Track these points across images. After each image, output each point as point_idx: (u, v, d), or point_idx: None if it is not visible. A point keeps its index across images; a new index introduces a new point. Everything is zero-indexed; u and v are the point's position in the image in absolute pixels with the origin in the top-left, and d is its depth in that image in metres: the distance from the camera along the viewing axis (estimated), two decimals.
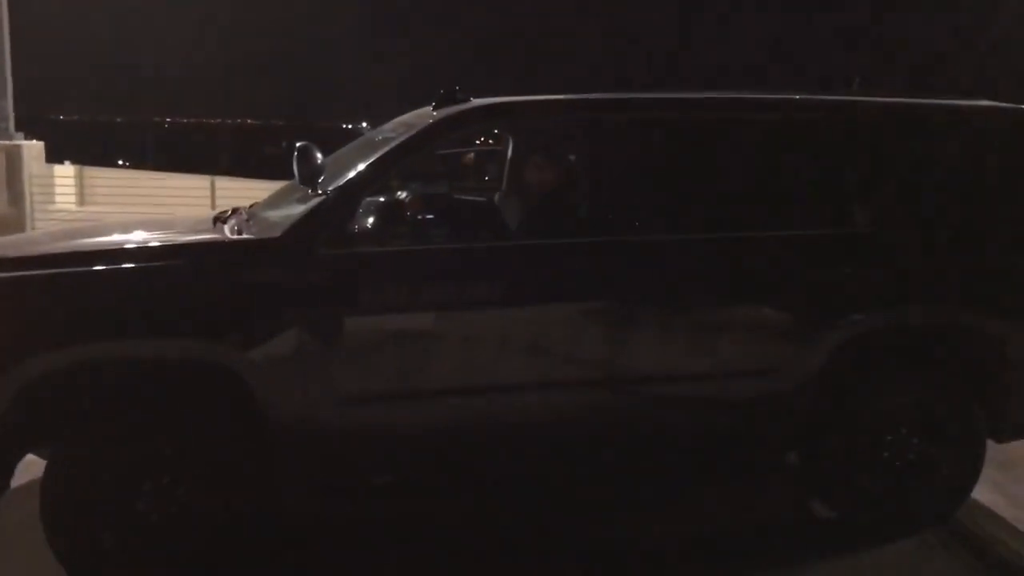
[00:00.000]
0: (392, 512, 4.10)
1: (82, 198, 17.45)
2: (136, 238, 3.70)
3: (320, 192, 3.40)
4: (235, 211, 4.12)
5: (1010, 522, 4.13)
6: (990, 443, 4.03)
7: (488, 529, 4.03)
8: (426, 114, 3.81)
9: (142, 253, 3.42)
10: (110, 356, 3.29)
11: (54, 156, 18.16)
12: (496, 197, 4.48)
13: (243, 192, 12.11)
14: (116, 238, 3.78)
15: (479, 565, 3.71)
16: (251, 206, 4.17)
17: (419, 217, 3.72)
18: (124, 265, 3.31)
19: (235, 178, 17.88)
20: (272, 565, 3.64)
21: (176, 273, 3.34)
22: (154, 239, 3.66)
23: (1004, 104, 4.26)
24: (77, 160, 18.74)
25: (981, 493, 4.17)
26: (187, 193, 14.56)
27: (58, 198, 16.78)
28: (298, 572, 3.63)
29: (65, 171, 17.84)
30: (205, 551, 3.39)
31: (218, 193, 13.91)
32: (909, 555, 3.79)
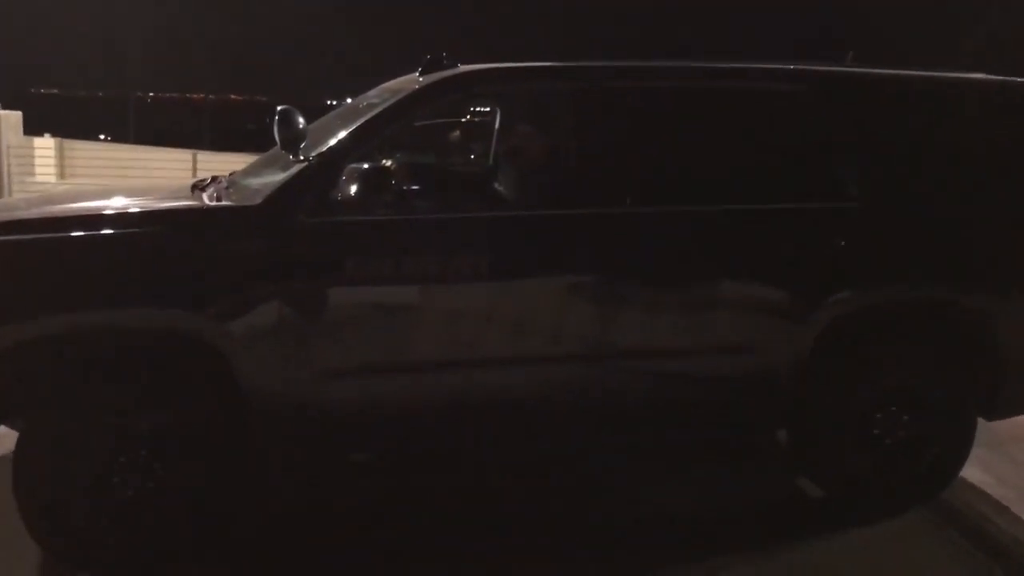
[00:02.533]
0: (373, 490, 4.04)
1: (62, 171, 17.26)
2: (113, 205, 3.58)
3: (302, 158, 3.29)
4: (215, 179, 4.01)
5: (999, 501, 4.11)
6: (980, 422, 3.99)
7: (470, 506, 3.96)
8: (412, 80, 3.71)
9: (119, 219, 3.31)
10: (84, 325, 3.19)
11: (33, 129, 17.91)
12: (484, 167, 4.38)
13: (225, 166, 12.00)
14: (93, 204, 3.67)
15: (459, 544, 3.64)
16: (231, 174, 4.06)
17: (404, 186, 3.62)
18: (100, 231, 3.20)
19: (218, 152, 17.72)
20: (252, 542, 3.57)
21: (153, 240, 3.22)
22: (131, 206, 3.55)
23: (998, 77, 4.20)
24: (57, 133, 18.53)
25: (969, 472, 4.14)
26: (169, 166, 14.44)
27: (38, 171, 16.58)
28: (277, 548, 3.55)
29: (45, 144, 17.64)
30: (182, 527, 3.30)
31: (200, 167, 13.78)
32: (897, 534, 3.75)
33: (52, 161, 17.05)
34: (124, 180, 12.61)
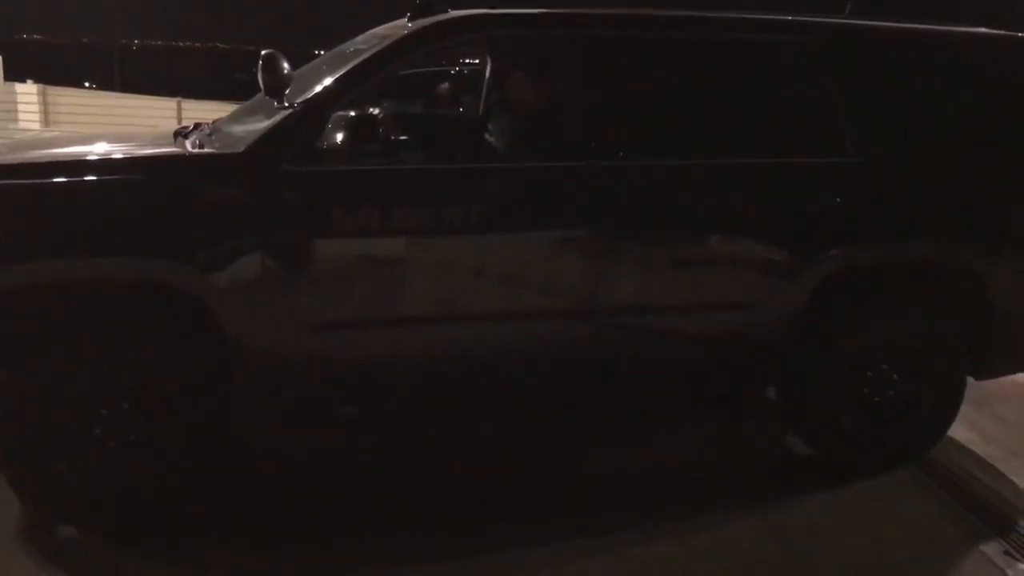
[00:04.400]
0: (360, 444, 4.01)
1: (46, 118, 17.01)
2: (94, 151, 3.49)
3: (287, 105, 3.20)
4: (198, 126, 3.91)
5: (984, 458, 4.12)
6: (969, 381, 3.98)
7: (457, 463, 3.94)
8: (401, 26, 3.61)
9: (99, 166, 3.22)
10: (64, 274, 3.11)
11: (16, 75, 17.57)
12: (474, 117, 4.28)
13: (211, 114, 11.83)
14: (72, 151, 3.57)
15: (445, 500, 3.62)
16: (215, 121, 3.96)
17: (392, 136, 3.53)
18: (79, 178, 3.11)
19: (204, 100, 17.48)
20: (236, 495, 3.55)
21: (133, 188, 3.14)
22: (112, 152, 3.45)
23: (998, 31, 4.13)
24: (41, 80, 18.21)
25: (956, 431, 4.15)
26: (155, 114, 14.23)
27: (21, 117, 16.35)
28: (262, 504, 3.53)
29: (28, 90, 17.35)
30: (166, 481, 3.27)
31: (185, 115, 13.59)
32: (884, 491, 3.76)
33: (36, 108, 16.79)
34: (108, 128, 12.44)
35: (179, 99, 14.66)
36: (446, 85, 5.13)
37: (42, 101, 17.06)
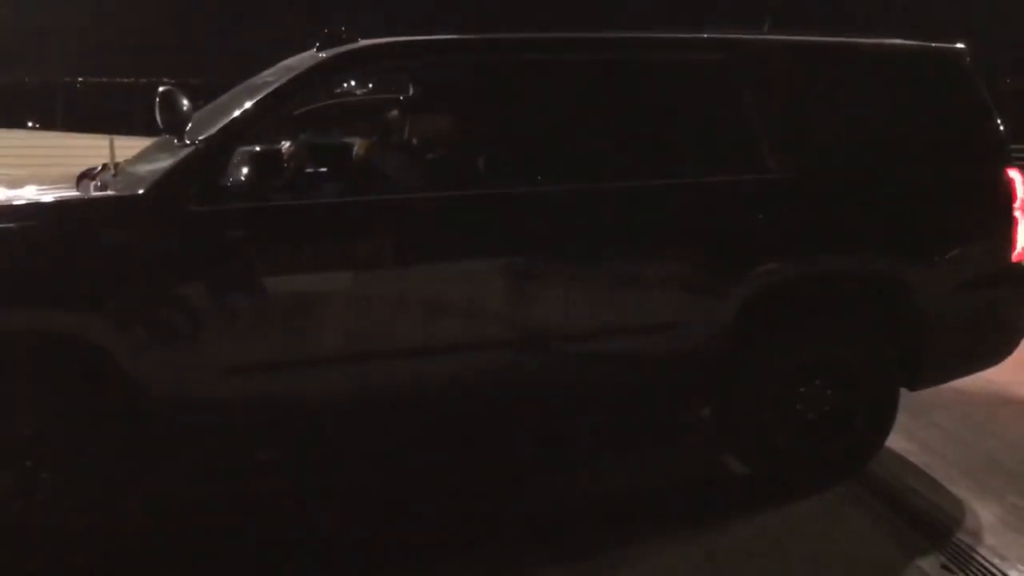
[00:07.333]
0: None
1: None
2: None
3: (188, 142, 3.09)
4: (104, 167, 3.78)
5: (921, 468, 4.10)
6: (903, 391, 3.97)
7: (384, 502, 3.82)
8: (310, 56, 3.52)
9: None
10: None
11: None
12: (389, 146, 4.18)
13: None
14: None
15: (366, 537, 3.50)
16: (121, 162, 3.83)
17: (302, 169, 3.44)
18: None
19: (146, 137, 17.21)
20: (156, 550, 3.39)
21: (28, 235, 3.00)
22: (5, 198, 3.31)
23: (916, 42, 4.15)
24: None
25: (894, 441, 4.12)
26: (91, 153, 13.96)
27: None
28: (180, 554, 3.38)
29: None
30: (77, 539, 3.11)
31: (120, 154, 13.33)
32: (822, 507, 3.70)
33: None
34: (41, 169, 12.18)
35: (111, 137, 14.43)
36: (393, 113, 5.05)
37: None
